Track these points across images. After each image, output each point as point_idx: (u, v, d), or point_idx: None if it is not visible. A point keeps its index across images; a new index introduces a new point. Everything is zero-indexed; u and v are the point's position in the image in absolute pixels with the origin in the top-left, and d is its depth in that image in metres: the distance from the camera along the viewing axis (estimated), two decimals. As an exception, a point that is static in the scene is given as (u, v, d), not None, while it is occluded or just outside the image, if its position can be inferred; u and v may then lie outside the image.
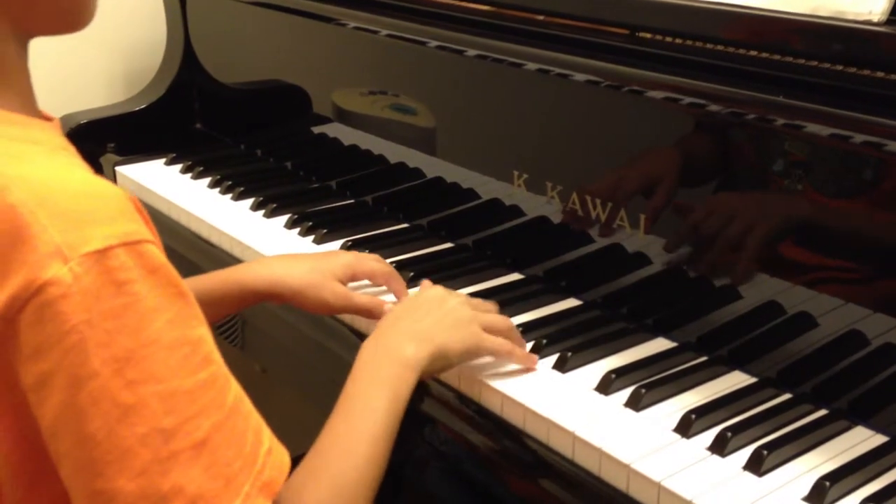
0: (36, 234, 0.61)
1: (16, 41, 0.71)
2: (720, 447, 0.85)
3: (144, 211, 0.68)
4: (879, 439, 0.87)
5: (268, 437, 0.70)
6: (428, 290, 0.98)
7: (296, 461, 0.75)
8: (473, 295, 1.11)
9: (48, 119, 0.75)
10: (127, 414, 0.62)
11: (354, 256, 1.10)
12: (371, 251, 1.24)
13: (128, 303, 0.62)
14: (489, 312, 0.98)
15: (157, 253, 0.65)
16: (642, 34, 1.03)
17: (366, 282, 1.12)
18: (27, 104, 0.73)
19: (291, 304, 1.05)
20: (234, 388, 0.68)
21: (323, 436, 0.78)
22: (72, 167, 0.68)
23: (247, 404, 0.69)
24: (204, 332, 0.66)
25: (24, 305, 0.61)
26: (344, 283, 1.06)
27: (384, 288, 1.12)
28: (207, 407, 0.65)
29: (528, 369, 0.97)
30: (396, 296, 1.10)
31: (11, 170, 0.64)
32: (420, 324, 0.90)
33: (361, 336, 1.11)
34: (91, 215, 0.63)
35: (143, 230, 0.65)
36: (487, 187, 1.23)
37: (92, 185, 0.65)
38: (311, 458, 0.76)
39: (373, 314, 1.06)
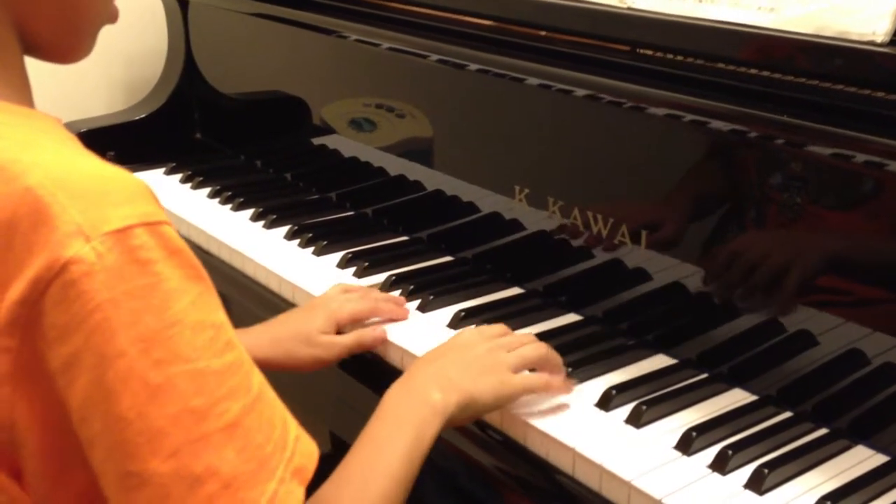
0: (56, 214, 0.61)
1: (18, 46, 0.72)
2: (721, 465, 0.85)
3: (158, 198, 0.68)
4: (880, 459, 0.87)
5: (294, 426, 0.69)
6: (458, 336, 0.96)
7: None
8: (472, 309, 1.12)
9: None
10: (156, 394, 0.61)
11: (337, 303, 1.08)
12: (370, 264, 1.24)
13: (151, 283, 0.62)
14: (522, 345, 0.94)
15: (175, 235, 0.65)
16: (643, 51, 1.03)
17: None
18: (29, 102, 0.74)
19: (286, 370, 1.04)
20: (258, 375, 0.68)
21: (339, 470, 0.76)
22: (84, 153, 0.68)
23: (271, 392, 0.69)
24: (224, 317, 0.66)
25: (48, 286, 0.60)
26: (330, 334, 1.06)
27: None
28: (235, 390, 0.64)
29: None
30: (392, 318, 1.10)
31: (26, 156, 0.64)
32: (447, 371, 0.88)
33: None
34: (109, 196, 0.63)
35: (161, 212, 0.65)
36: (488, 201, 1.23)
37: (109, 168, 0.66)
38: (326, 490, 0.74)
39: (364, 345, 1.06)
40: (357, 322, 1.09)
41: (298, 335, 1.04)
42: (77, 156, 0.67)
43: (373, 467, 0.77)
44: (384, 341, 1.07)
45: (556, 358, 0.96)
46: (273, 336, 1.04)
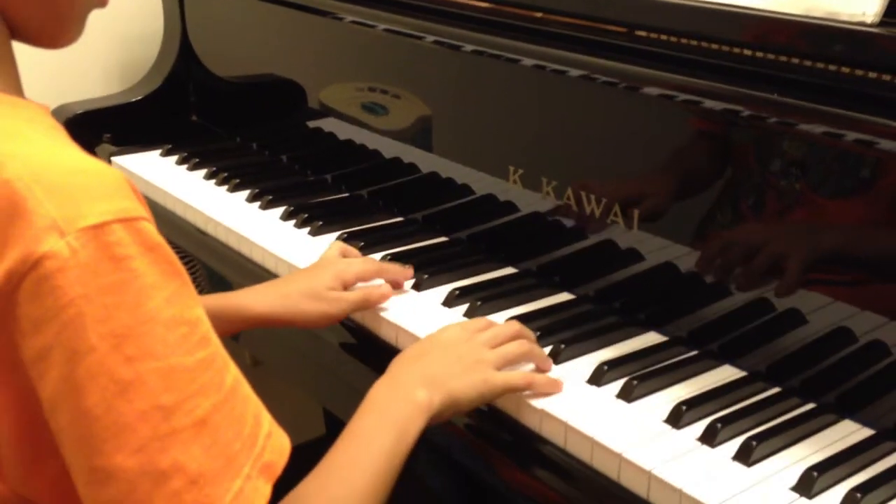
0: (32, 208, 0.61)
1: (4, 32, 0.72)
2: (710, 438, 0.86)
3: (139, 193, 0.68)
4: (865, 432, 0.89)
5: (267, 421, 0.70)
6: (441, 332, 0.96)
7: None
8: (466, 288, 1.13)
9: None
10: (125, 390, 0.61)
11: (344, 264, 1.10)
12: (366, 244, 1.25)
13: (126, 279, 0.62)
14: (508, 340, 0.94)
15: (153, 231, 0.65)
16: (639, 32, 1.04)
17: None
18: (16, 89, 0.73)
19: (295, 326, 1.07)
20: (233, 371, 0.68)
21: (322, 464, 0.77)
22: (67, 145, 0.68)
23: (245, 387, 0.69)
24: (201, 313, 0.66)
25: (22, 280, 0.61)
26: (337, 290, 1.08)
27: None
28: (206, 387, 0.64)
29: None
30: (394, 285, 1.12)
31: (7, 147, 0.64)
32: (432, 368, 0.88)
33: (354, 327, 1.13)
34: (88, 191, 0.63)
35: (139, 208, 0.65)
36: (483, 182, 1.24)
37: (88, 162, 0.65)
38: (308, 482, 0.75)
39: (370, 302, 1.08)
40: (362, 281, 1.11)
41: (306, 291, 1.06)
42: (59, 148, 0.67)
43: (356, 463, 0.77)
44: (388, 298, 1.10)
45: (541, 352, 0.97)
46: (281, 292, 1.06)
